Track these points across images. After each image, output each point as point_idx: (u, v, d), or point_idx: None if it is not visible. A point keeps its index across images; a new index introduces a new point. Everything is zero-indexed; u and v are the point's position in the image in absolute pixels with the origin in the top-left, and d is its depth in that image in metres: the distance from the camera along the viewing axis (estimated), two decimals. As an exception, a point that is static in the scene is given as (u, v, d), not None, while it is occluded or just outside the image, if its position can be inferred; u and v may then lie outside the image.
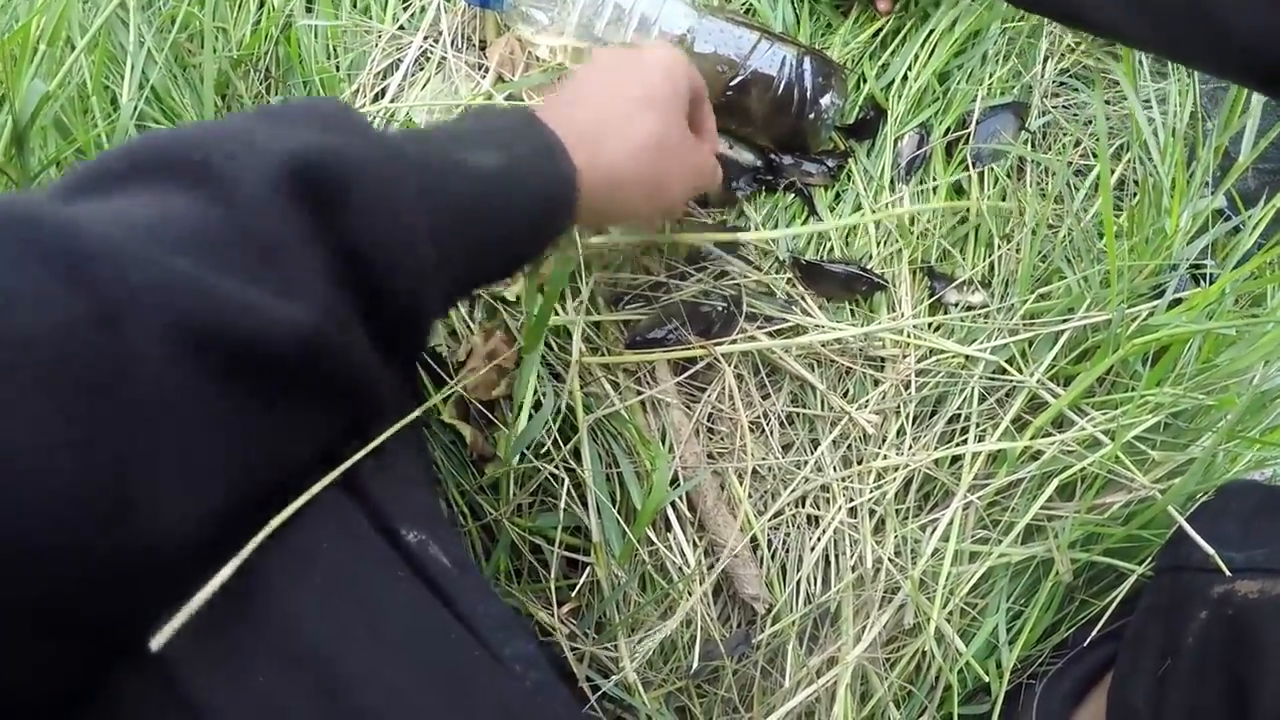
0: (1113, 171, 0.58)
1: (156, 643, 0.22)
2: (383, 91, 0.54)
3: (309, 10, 0.57)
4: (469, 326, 0.48)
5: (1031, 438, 0.49)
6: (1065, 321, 0.51)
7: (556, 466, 0.45)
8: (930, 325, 0.50)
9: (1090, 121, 0.61)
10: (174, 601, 0.23)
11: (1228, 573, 0.41)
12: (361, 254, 0.26)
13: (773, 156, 0.52)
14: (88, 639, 0.21)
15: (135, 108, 0.52)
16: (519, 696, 0.27)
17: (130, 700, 0.22)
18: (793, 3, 0.56)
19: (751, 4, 0.56)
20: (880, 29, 0.56)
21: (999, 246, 0.54)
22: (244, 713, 0.23)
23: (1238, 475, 0.54)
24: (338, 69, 0.56)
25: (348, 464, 0.27)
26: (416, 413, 0.31)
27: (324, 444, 0.27)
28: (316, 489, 0.26)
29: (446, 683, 0.25)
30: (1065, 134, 0.60)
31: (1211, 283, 0.55)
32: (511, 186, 0.32)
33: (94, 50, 0.51)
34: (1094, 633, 0.51)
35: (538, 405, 0.44)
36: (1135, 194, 0.58)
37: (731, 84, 0.49)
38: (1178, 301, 0.54)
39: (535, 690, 0.27)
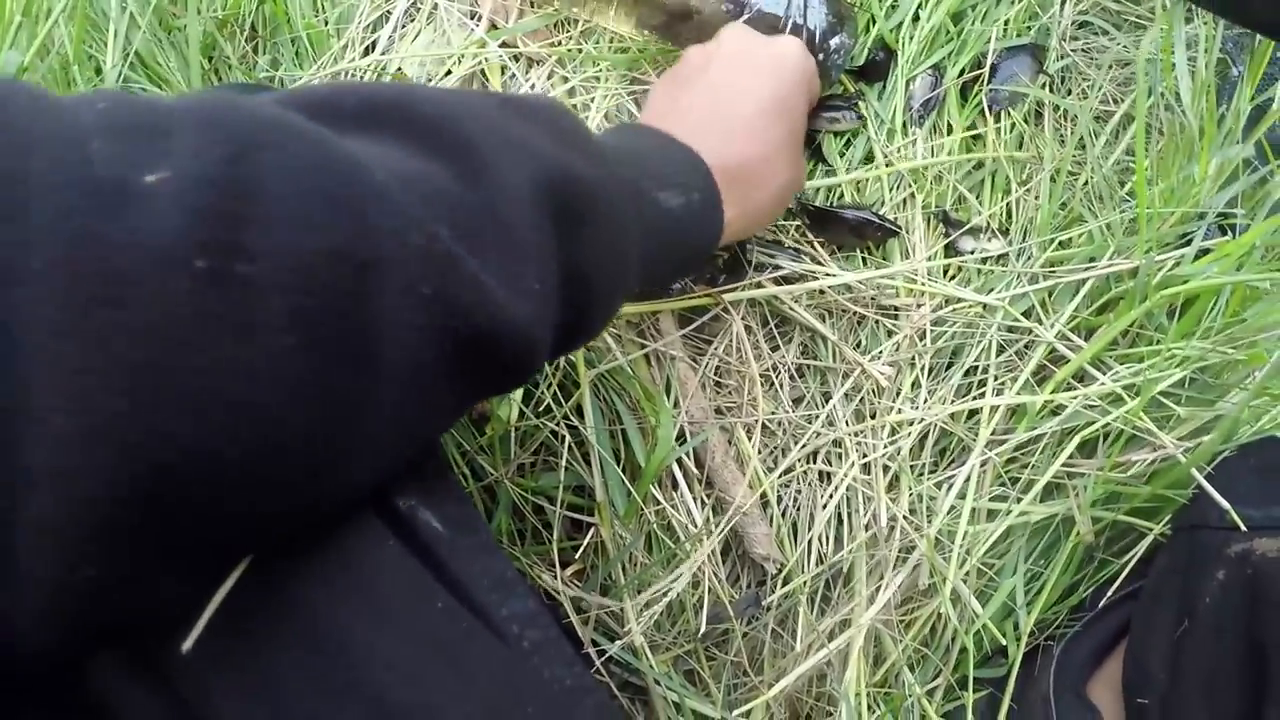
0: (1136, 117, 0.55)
1: (187, 645, 0.21)
2: (372, 45, 0.53)
3: (296, -37, 0.55)
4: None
5: (1052, 392, 0.47)
6: (1088, 270, 0.48)
7: (558, 424, 0.44)
8: (945, 272, 0.48)
9: (1111, 66, 0.59)
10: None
11: (1243, 526, 0.39)
12: (586, 275, 0.27)
13: None
14: (222, 574, 0.21)
15: (120, 74, 0.51)
16: (512, 661, 0.25)
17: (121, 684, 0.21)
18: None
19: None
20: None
21: (1017, 192, 0.52)
22: (231, 685, 0.21)
23: (1262, 433, 0.52)
24: (325, 24, 0.54)
25: None
26: None
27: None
28: None
29: (444, 646, 0.24)
30: (1085, 78, 0.57)
31: (1239, 234, 0.53)
32: (687, 231, 0.34)
33: (73, 17, 0.50)
34: (1110, 593, 0.49)
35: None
36: (1159, 141, 0.56)
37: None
38: (1205, 252, 0.51)
39: (532, 650, 0.26)
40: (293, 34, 0.55)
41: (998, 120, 0.52)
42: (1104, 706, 0.47)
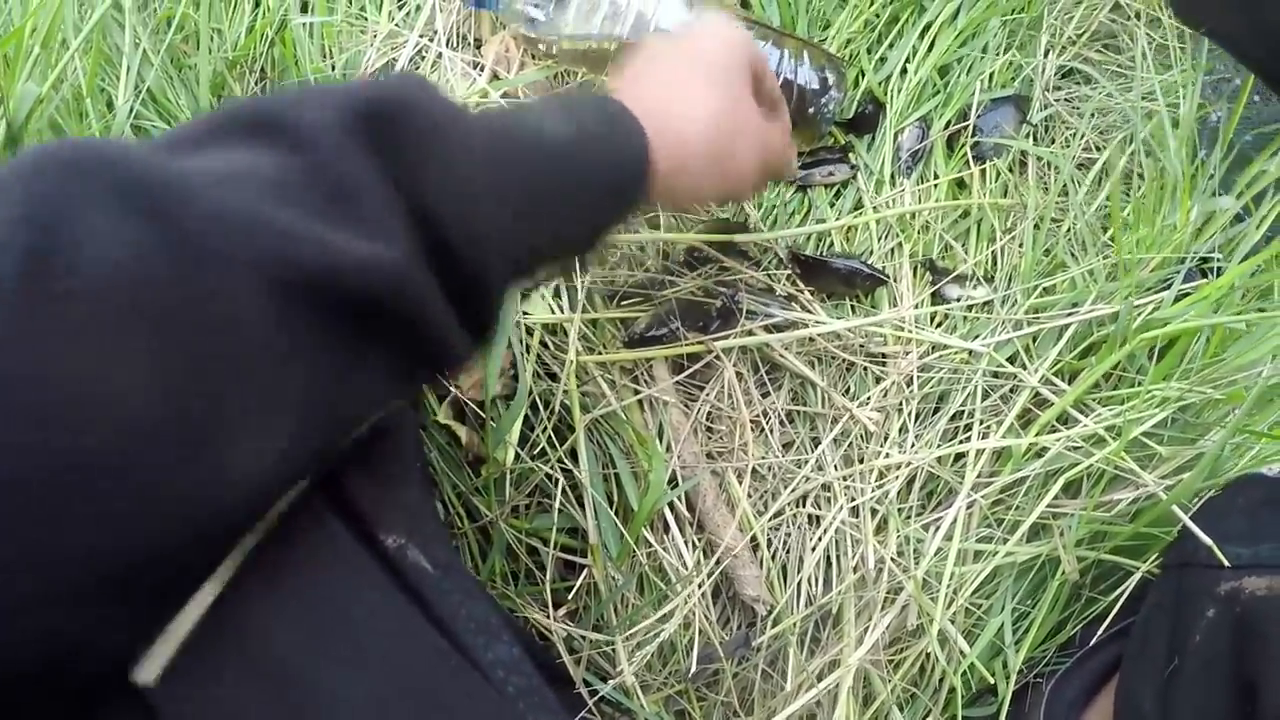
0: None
1: (144, 676, 0.21)
2: (377, 90, 0.54)
3: (304, 10, 0.57)
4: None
5: (1036, 434, 0.48)
6: (1070, 315, 0.50)
7: (552, 467, 0.45)
8: (932, 320, 0.50)
9: (1093, 115, 0.60)
10: (223, 556, 0.22)
11: (1226, 564, 0.40)
12: (429, 207, 0.25)
13: None
14: (141, 597, 0.21)
15: (130, 109, 0.52)
16: (499, 705, 0.26)
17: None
18: (790, -2, 0.56)
19: (748, -1, 0.55)
20: (876, 15, 0.55)
21: (1001, 240, 0.53)
22: None
23: (1245, 470, 0.53)
24: (333, 69, 0.56)
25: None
26: (396, 407, 0.30)
27: (397, 391, 0.27)
28: (291, 496, 0.25)
29: (419, 698, 0.25)
30: (1068, 128, 0.59)
31: (1218, 276, 0.55)
32: (582, 153, 0.31)
33: (88, 52, 0.51)
34: (1100, 631, 0.50)
35: (534, 407, 0.44)
36: (1140, 187, 0.57)
37: (728, 79, 0.48)
38: (1184, 295, 0.53)
39: (517, 697, 0.26)
40: (301, 77, 0.56)
41: (983, 170, 0.54)
42: (1095, 742, 0.48)
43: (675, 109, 0.35)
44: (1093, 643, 0.51)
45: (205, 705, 0.22)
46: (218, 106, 0.25)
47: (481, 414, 0.46)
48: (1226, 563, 0.40)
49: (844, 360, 0.48)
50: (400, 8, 0.56)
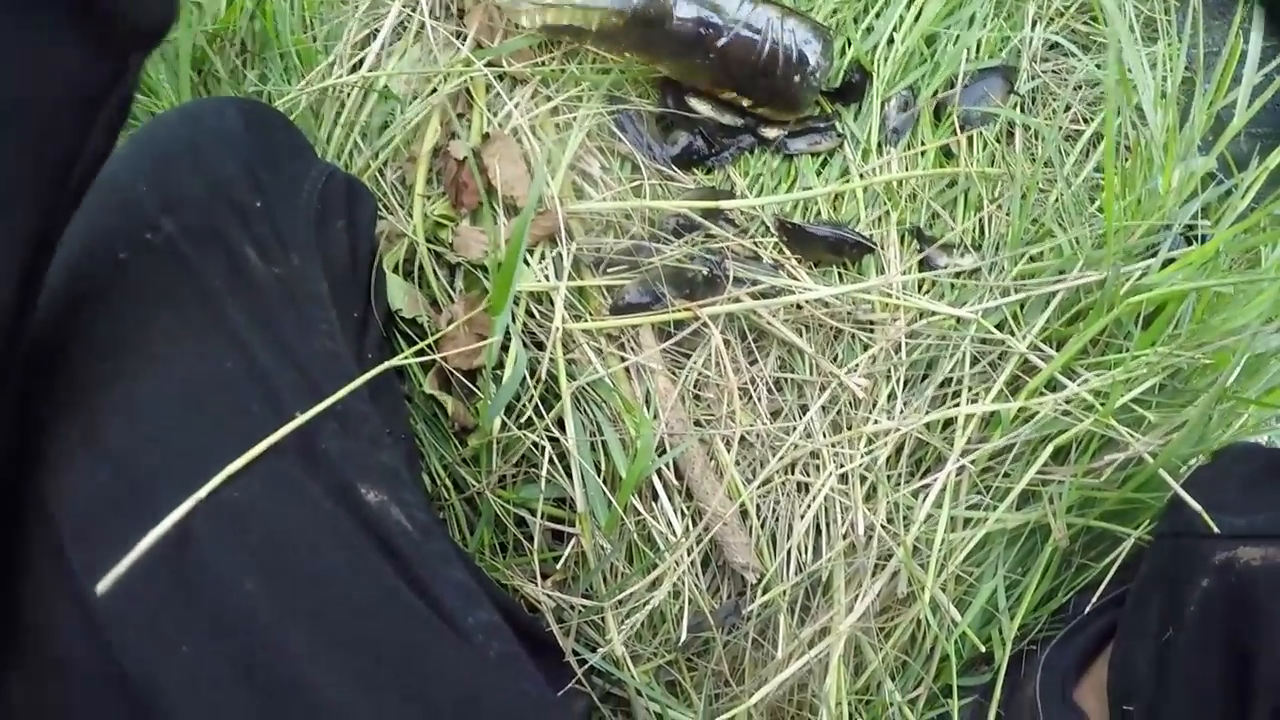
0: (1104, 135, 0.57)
1: (102, 586, 0.21)
2: (360, 62, 0.53)
3: (285, -17, 0.56)
4: (450, 295, 0.48)
5: (1025, 399, 0.48)
6: (1058, 282, 0.50)
7: (539, 436, 0.44)
8: (920, 287, 0.50)
9: (1079, 86, 0.60)
10: None
11: (1216, 530, 0.40)
12: None
13: (764, 130, 0.51)
14: None
15: None
16: (479, 669, 0.26)
17: (69, 666, 0.21)
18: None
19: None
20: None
21: (988, 208, 0.53)
22: (172, 685, 0.21)
23: (1236, 438, 0.53)
24: (314, 41, 0.55)
25: (300, 420, 0.26)
26: (375, 371, 0.30)
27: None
28: (266, 444, 0.25)
29: (394, 657, 0.24)
30: (1055, 98, 0.59)
31: (1204, 243, 0.55)
32: None
33: None
34: (1094, 599, 0.50)
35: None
36: (1126, 157, 0.57)
37: (716, 45, 0.48)
38: (1171, 262, 0.53)
39: (498, 662, 0.26)
40: (282, 50, 0.56)
41: (970, 138, 0.54)
42: (1090, 711, 0.48)
43: None
44: (1086, 611, 0.51)
45: (165, 657, 0.22)
46: None
47: (468, 384, 0.46)
48: (1216, 529, 0.40)
49: (831, 327, 0.48)
50: (382, -21, 0.56)
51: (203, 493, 0.23)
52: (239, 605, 0.23)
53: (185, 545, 0.23)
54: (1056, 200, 0.54)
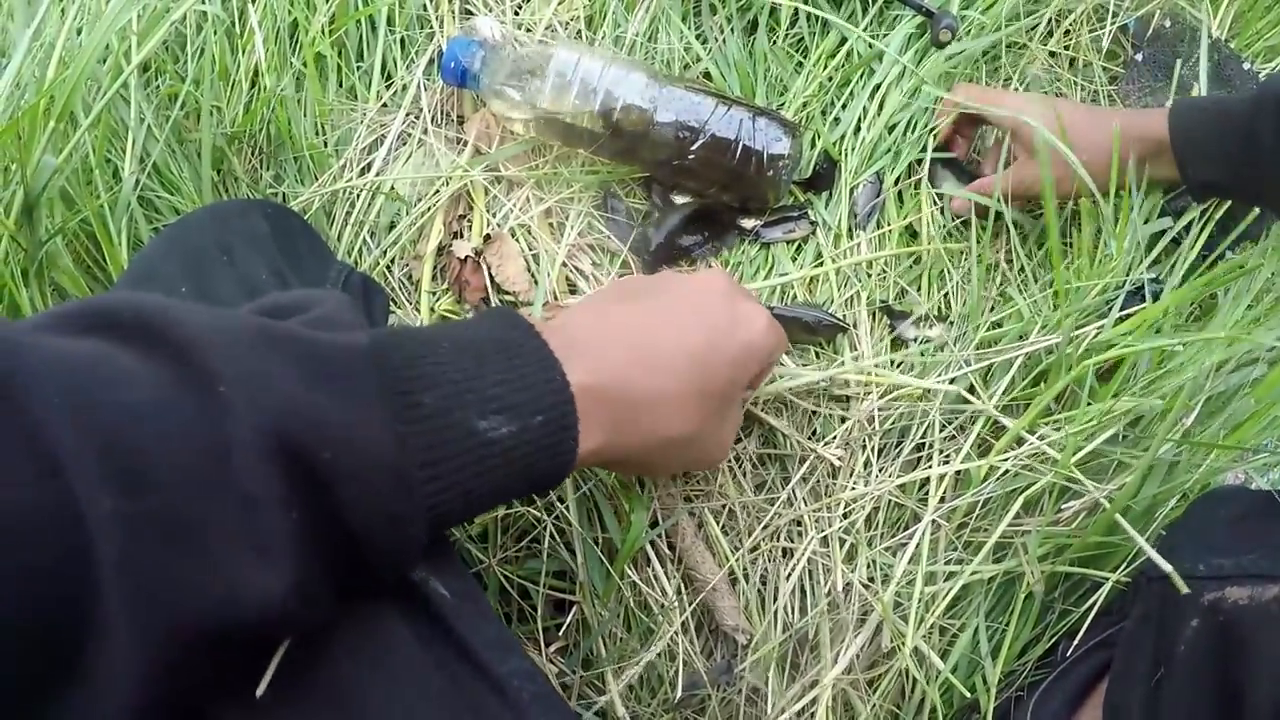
0: (1061, 206, 0.61)
1: (260, 689, 0.25)
2: (368, 166, 0.58)
3: (298, 90, 0.61)
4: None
5: (994, 457, 0.51)
6: (1019, 348, 0.53)
7: (539, 511, 0.48)
8: (892, 362, 0.53)
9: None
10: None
11: (1190, 578, 0.41)
12: (348, 533, 0.24)
13: (743, 221, 0.55)
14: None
15: (137, 180, 0.55)
16: (517, 712, 0.29)
17: None
18: (749, 67, 0.60)
19: (708, 69, 0.60)
20: (830, 78, 0.60)
21: (953, 281, 0.57)
22: None
23: (1207, 477, 0.55)
24: (325, 145, 0.60)
25: None
26: None
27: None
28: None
29: (447, 707, 0.28)
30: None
31: (1158, 294, 0.58)
32: (519, 458, 0.29)
33: (98, 126, 0.54)
34: (1076, 642, 0.52)
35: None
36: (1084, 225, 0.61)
37: (692, 148, 0.53)
38: (1128, 317, 0.56)
39: (532, 701, 0.30)
40: (296, 153, 0.60)
41: (933, 214, 0.58)
42: (1082, 754, 0.50)
43: (643, 414, 0.32)
44: (1071, 654, 0.53)
45: None
46: (110, 297, 0.24)
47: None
48: (1184, 582, 0.41)
49: (809, 405, 0.52)
50: (388, 87, 0.61)
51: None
52: (330, 673, 0.27)
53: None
54: (1022, 270, 0.58)
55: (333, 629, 0.27)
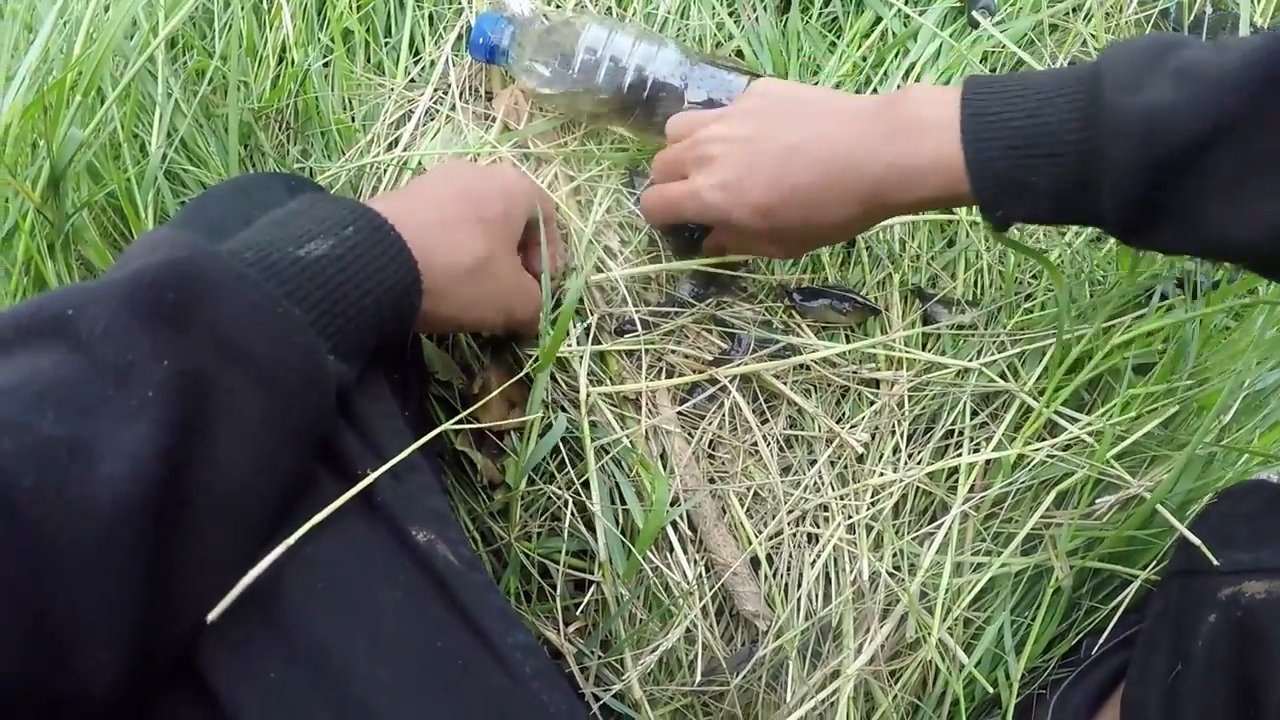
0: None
1: (212, 615, 0.25)
2: (396, 141, 0.58)
3: (326, 65, 0.61)
4: (481, 362, 0.51)
5: (1024, 444, 0.50)
6: (1052, 333, 0.52)
7: (560, 488, 0.48)
8: (922, 344, 0.52)
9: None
10: None
11: (1216, 562, 0.41)
12: (204, 368, 0.27)
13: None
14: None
15: (164, 155, 0.55)
16: (515, 682, 0.29)
17: (164, 694, 0.26)
18: (782, 46, 0.59)
19: (740, 48, 0.59)
20: (864, 58, 0.58)
21: (986, 266, 0.56)
22: (257, 705, 0.26)
23: (1242, 474, 0.54)
24: (353, 120, 0.60)
25: (370, 479, 0.31)
26: (430, 435, 0.34)
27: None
28: (332, 508, 0.29)
29: (441, 673, 0.28)
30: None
31: (1200, 289, 0.56)
32: (353, 265, 0.33)
33: (125, 101, 0.55)
34: (1102, 640, 0.51)
35: (546, 429, 0.47)
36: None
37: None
38: (1171, 309, 0.54)
39: (533, 676, 0.30)
40: (323, 128, 0.60)
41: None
42: (1101, 752, 0.49)
43: (439, 246, 0.38)
44: (1096, 652, 0.52)
45: (251, 683, 0.26)
46: (17, 307, 0.27)
47: (497, 443, 0.49)
48: (1218, 563, 0.41)
49: (838, 386, 0.51)
50: (416, 63, 0.60)
51: (283, 547, 0.28)
52: (313, 638, 0.27)
53: (275, 596, 0.27)
54: (1059, 256, 0.57)
55: (312, 589, 0.27)
